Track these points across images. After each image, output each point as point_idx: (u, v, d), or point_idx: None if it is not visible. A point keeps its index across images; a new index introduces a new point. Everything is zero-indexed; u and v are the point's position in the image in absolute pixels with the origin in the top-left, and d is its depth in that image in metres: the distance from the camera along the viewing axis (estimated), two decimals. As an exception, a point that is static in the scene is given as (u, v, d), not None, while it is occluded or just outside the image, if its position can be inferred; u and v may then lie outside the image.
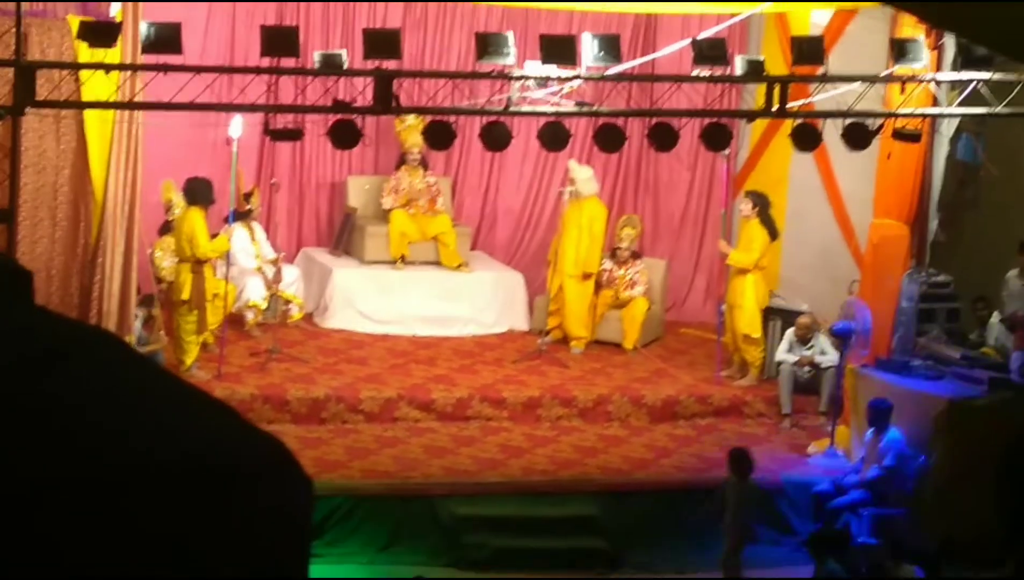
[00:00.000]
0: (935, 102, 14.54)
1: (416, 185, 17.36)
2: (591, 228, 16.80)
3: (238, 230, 15.76)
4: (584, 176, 16.88)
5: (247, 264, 16.19)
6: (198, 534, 2.47)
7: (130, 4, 13.35)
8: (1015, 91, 13.93)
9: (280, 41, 12.85)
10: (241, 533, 2.53)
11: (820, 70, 13.94)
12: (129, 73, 12.96)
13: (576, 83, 13.51)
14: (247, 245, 16.22)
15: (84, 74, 12.82)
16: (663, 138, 13.50)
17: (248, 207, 16.15)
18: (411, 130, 17.09)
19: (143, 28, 12.52)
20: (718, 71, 13.65)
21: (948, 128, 15.38)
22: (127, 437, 2.51)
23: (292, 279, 16.72)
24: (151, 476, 2.46)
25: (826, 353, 15.39)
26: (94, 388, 2.56)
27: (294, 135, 13.48)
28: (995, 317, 15.40)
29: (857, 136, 13.75)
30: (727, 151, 15.13)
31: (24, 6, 11.92)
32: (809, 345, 15.48)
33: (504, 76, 13.26)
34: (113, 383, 2.61)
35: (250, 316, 16.30)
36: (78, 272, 14.03)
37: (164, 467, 2.48)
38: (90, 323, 13.17)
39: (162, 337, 14.73)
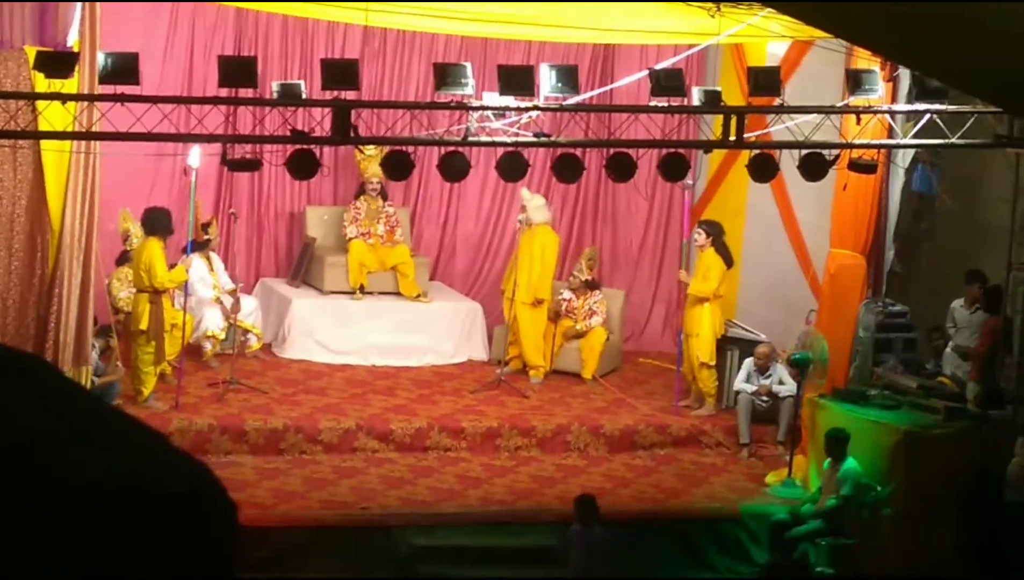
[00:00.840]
0: (891, 133, 14.63)
1: (374, 212, 17.36)
2: (543, 255, 16.84)
3: (196, 260, 15.71)
4: (536, 204, 16.92)
5: (205, 294, 16.15)
6: (117, 559, 2.46)
7: (87, 34, 13.32)
8: (969, 122, 14.03)
9: (238, 71, 12.84)
10: (161, 559, 2.52)
11: (777, 101, 14.01)
12: (86, 103, 12.93)
13: (534, 113, 13.55)
14: (205, 275, 16.18)
15: (41, 104, 12.79)
16: (621, 168, 13.53)
17: (206, 237, 16.12)
18: (371, 160, 17.10)
19: (100, 58, 12.49)
20: (676, 102, 13.70)
21: (904, 159, 15.47)
22: (50, 459, 2.50)
23: (250, 309, 16.69)
24: (71, 499, 2.46)
25: (784, 383, 15.43)
26: (18, 411, 2.56)
27: (252, 165, 13.45)
28: (950, 346, 15.49)
29: (814, 167, 13.82)
30: (686, 181, 15.18)
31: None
32: (767, 374, 15.53)
33: (462, 106, 13.27)
34: (39, 406, 2.60)
35: (208, 346, 16.26)
36: (35, 302, 13.96)
37: (85, 491, 2.48)
38: (32, 351, 13.13)
39: (119, 367, 14.66)
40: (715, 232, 16.13)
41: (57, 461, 2.50)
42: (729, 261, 16.14)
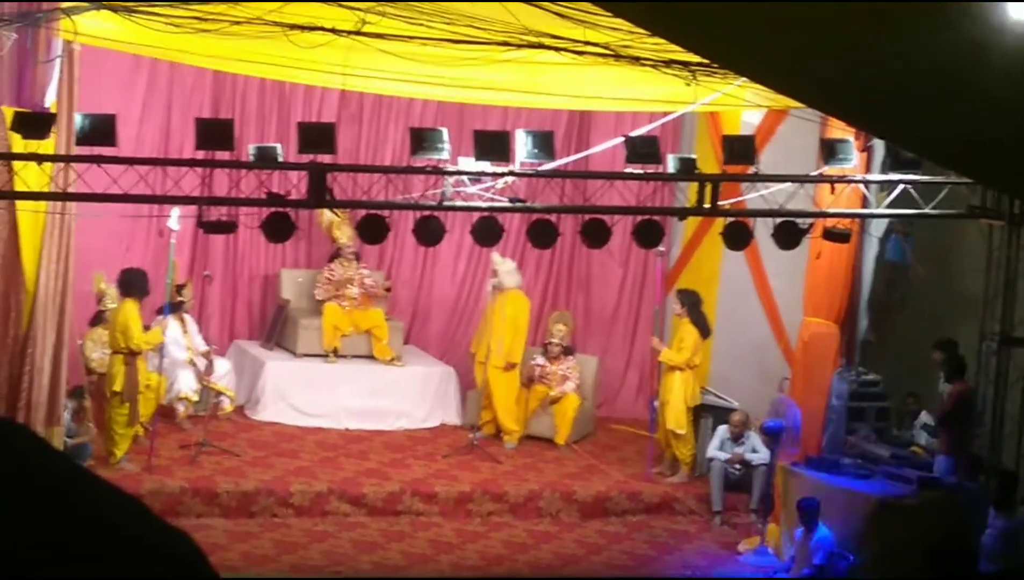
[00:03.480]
0: (864, 203, 14.72)
1: (349, 275, 17.39)
2: (515, 320, 16.86)
3: (171, 322, 15.69)
4: (507, 269, 16.96)
5: (179, 356, 16.11)
6: None
7: (65, 95, 13.35)
8: (943, 193, 14.11)
9: (215, 134, 12.87)
10: None
11: (751, 169, 14.08)
12: (63, 164, 12.93)
13: (510, 179, 13.59)
14: (179, 337, 16.14)
15: (18, 164, 12.77)
16: (596, 234, 13.56)
17: (180, 299, 16.09)
18: (338, 225, 17.16)
19: (78, 119, 12.50)
20: (651, 169, 13.76)
21: (877, 228, 15.55)
22: (38, 530, 2.50)
23: (224, 371, 16.65)
24: (61, 570, 2.45)
25: (757, 451, 15.44)
26: (10, 480, 2.56)
27: (228, 228, 13.46)
28: (923, 417, 15.52)
29: (788, 235, 13.88)
30: (660, 248, 15.22)
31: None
32: (741, 442, 15.53)
33: (438, 171, 13.31)
34: (26, 475, 2.60)
35: (181, 408, 16.21)
36: (8, 363, 13.90)
37: (72, 562, 2.47)
38: (11, 417, 13.07)
39: (91, 429, 14.61)
40: (692, 301, 16.17)
41: (48, 532, 2.49)
42: (705, 331, 16.17)
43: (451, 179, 13.28)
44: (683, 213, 15.28)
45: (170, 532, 2.66)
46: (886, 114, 6.82)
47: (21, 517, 2.49)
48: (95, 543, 2.52)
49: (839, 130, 14.53)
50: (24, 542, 2.46)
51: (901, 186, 14.16)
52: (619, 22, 12.08)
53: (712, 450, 15.60)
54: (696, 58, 13.19)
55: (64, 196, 13.09)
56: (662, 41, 12.49)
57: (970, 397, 14.48)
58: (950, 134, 7.12)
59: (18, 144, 12.75)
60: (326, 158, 12.90)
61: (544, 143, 13.40)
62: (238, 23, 12.59)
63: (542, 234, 13.63)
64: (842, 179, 14.23)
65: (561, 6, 11.94)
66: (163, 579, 2.56)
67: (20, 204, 13.56)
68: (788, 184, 14.16)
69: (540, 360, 17.16)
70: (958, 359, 14.72)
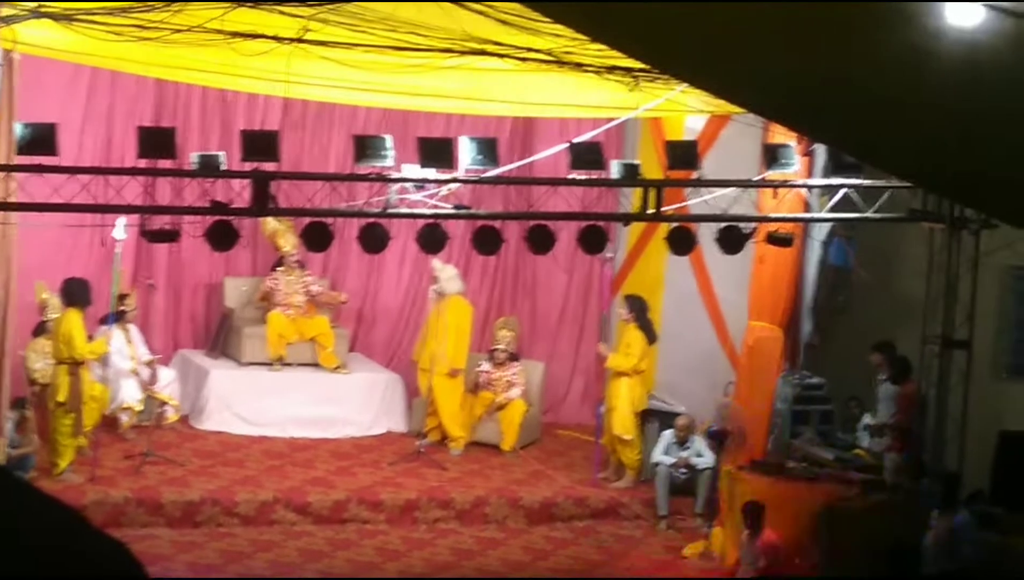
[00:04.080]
0: (807, 207, 14.80)
1: (295, 285, 17.36)
2: (457, 326, 16.87)
3: (114, 331, 15.60)
4: (447, 275, 16.97)
5: (122, 366, 16.02)
6: None
7: (5, 104, 13.26)
8: (884, 197, 14.21)
9: (157, 142, 12.82)
10: None
11: (695, 174, 14.14)
12: (3, 173, 12.85)
13: (454, 186, 13.60)
14: (122, 346, 16.05)
15: (-42, 174, 12.69)
16: (540, 240, 13.59)
17: (123, 308, 15.99)
18: (282, 233, 17.13)
19: (17, 129, 12.42)
20: (595, 174, 13.79)
21: (820, 232, 15.64)
22: None
23: (168, 381, 16.58)
24: None
25: (702, 455, 15.47)
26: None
27: (171, 236, 13.38)
28: (865, 418, 15.61)
29: (731, 240, 13.94)
30: (606, 254, 15.25)
31: None
32: (686, 446, 15.56)
33: (382, 178, 13.31)
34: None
35: (125, 418, 16.12)
36: (-51, 374, 13.81)
37: (8, 571, 2.46)
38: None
39: (35, 440, 14.50)
40: (638, 307, 16.20)
41: None
42: (652, 337, 16.20)
43: (395, 186, 13.28)
44: (627, 218, 15.33)
45: (107, 544, 2.64)
46: (827, 119, 6.87)
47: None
48: (29, 556, 2.50)
49: (781, 135, 14.61)
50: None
51: (843, 190, 14.26)
52: (562, 29, 12.11)
53: (658, 455, 15.63)
54: (639, 64, 13.25)
55: (5, 206, 13.00)
56: (605, 48, 12.54)
57: (918, 397, 14.60)
58: (891, 138, 7.17)
59: (-42, 154, 12.66)
60: (270, 166, 12.87)
61: (488, 149, 13.41)
62: (179, 31, 12.55)
63: (487, 240, 13.65)
64: (784, 184, 14.32)
65: (503, 13, 11.96)
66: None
67: (-39, 214, 13.46)
68: (731, 189, 14.23)
69: (486, 366, 17.17)
70: (903, 360, 14.82)
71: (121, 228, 14.39)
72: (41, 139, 12.23)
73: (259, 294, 17.42)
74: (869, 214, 14.25)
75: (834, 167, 14.46)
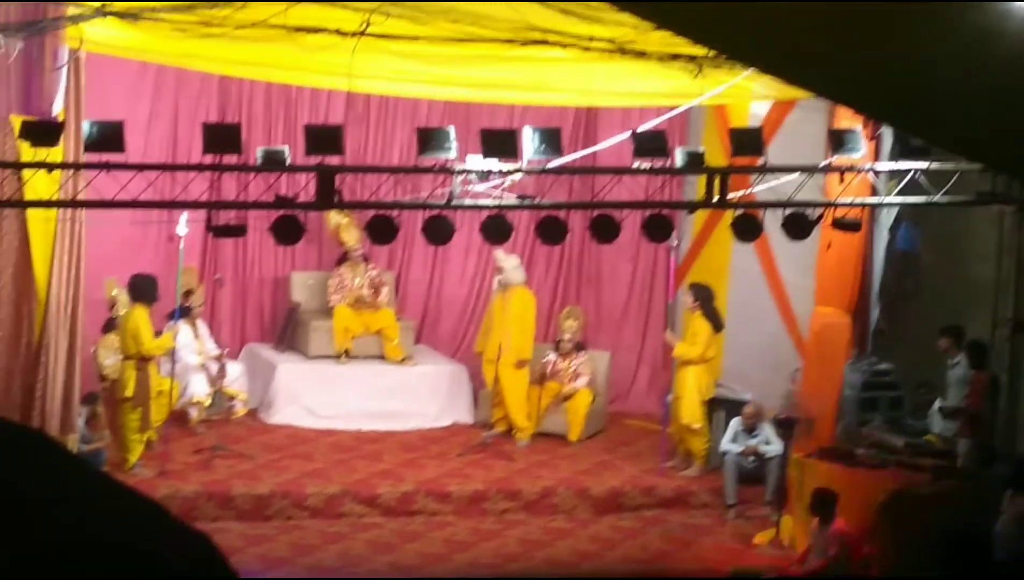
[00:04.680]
0: (874, 192, 14.70)
1: (359, 281, 17.42)
2: (522, 316, 16.86)
3: (182, 327, 15.70)
4: (512, 265, 16.96)
5: (191, 361, 16.13)
6: None
7: (72, 103, 13.37)
8: (952, 180, 14.09)
9: (222, 138, 12.86)
10: None
11: (760, 161, 14.06)
12: (72, 171, 12.95)
13: (517, 176, 13.59)
14: (191, 342, 16.16)
15: (27, 173, 12.79)
16: (605, 230, 13.55)
17: (187, 304, 16.08)
18: (345, 228, 17.19)
19: (85, 127, 12.50)
20: (659, 163, 13.74)
21: (887, 217, 15.54)
22: (58, 534, 2.50)
23: (236, 375, 16.67)
24: (82, 573, 2.46)
25: (771, 442, 15.41)
26: (31, 486, 2.56)
27: (237, 231, 13.46)
28: (937, 404, 15.49)
29: (797, 226, 13.86)
30: (671, 242, 15.21)
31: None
32: (754, 434, 15.50)
33: (446, 170, 13.31)
34: (49, 481, 2.61)
35: (194, 413, 16.22)
36: (21, 371, 13.92)
37: (95, 564, 2.48)
38: (28, 424, 13.06)
39: (105, 435, 14.62)
40: (704, 296, 16.14)
41: (63, 533, 2.50)
42: (718, 325, 16.14)
43: (459, 178, 13.28)
44: (692, 207, 15.29)
45: (188, 533, 2.67)
46: (895, 101, 6.81)
47: (41, 523, 2.50)
48: (115, 546, 2.53)
49: (847, 119, 14.53)
50: (44, 547, 2.47)
51: (910, 174, 14.14)
52: (625, 17, 12.08)
53: (725, 443, 15.58)
54: (702, 51, 13.21)
55: (73, 203, 13.11)
56: (668, 35, 12.50)
57: (993, 384, 14.48)
58: (959, 120, 7.11)
59: (27, 153, 12.76)
60: (334, 160, 12.90)
61: (551, 140, 13.39)
62: (243, 27, 12.61)
63: (551, 231, 13.62)
64: (851, 169, 14.21)
65: (565, 2, 11.95)
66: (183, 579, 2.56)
67: (30, 213, 13.59)
68: (797, 175, 14.15)
69: (551, 357, 17.16)
70: (979, 344, 14.68)
71: (183, 223, 14.49)
72: (108, 137, 12.30)
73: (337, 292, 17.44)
74: (937, 197, 14.12)
75: (901, 151, 14.36)
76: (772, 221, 13.91)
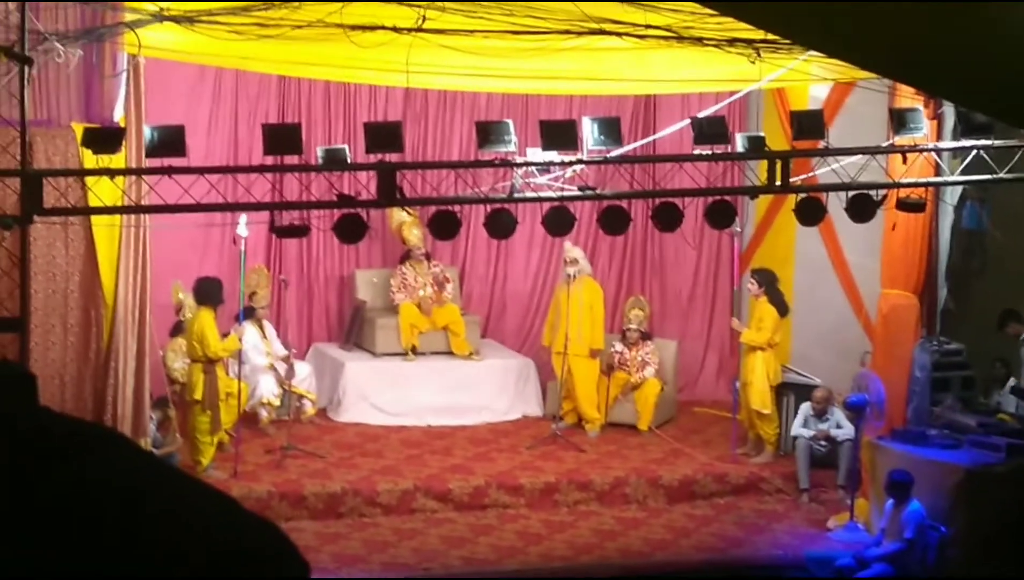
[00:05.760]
0: (937, 171, 14.58)
1: (421, 281, 17.45)
2: (592, 307, 16.84)
3: (248, 328, 15.78)
4: (578, 256, 16.95)
5: (259, 362, 16.20)
6: None
7: (132, 108, 13.46)
8: (1017, 157, 13.96)
9: (283, 139, 12.90)
10: None
11: (821, 144, 13.98)
12: (135, 177, 13.03)
13: (578, 167, 13.57)
14: (258, 343, 16.23)
15: (90, 180, 12.88)
16: (667, 218, 13.52)
17: (250, 305, 16.12)
18: (408, 226, 17.23)
19: (146, 132, 12.58)
20: (719, 149, 13.69)
21: (952, 196, 15.41)
22: (140, 528, 2.53)
23: (304, 375, 16.72)
24: (163, 566, 2.49)
25: (842, 426, 15.34)
26: (108, 482, 2.59)
27: (300, 231, 13.50)
28: (1011, 382, 15.37)
29: (861, 208, 13.77)
30: (734, 228, 15.16)
31: (28, 115, 11.97)
32: (825, 419, 15.44)
33: (506, 164, 13.32)
34: (125, 477, 2.63)
35: (264, 414, 16.30)
36: (91, 377, 14.04)
37: (174, 557, 2.51)
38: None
39: (177, 438, 14.72)
40: (768, 281, 16.08)
41: (148, 530, 2.53)
42: (783, 310, 16.07)
43: (520, 171, 13.28)
44: (755, 192, 15.21)
45: (264, 526, 2.69)
46: (956, 77, 6.74)
47: (124, 521, 2.52)
48: (194, 541, 2.55)
49: (908, 99, 14.41)
50: (126, 545, 2.49)
51: (974, 152, 14.02)
52: (680, 3, 12.04)
53: (796, 428, 15.53)
54: (760, 35, 13.13)
55: (137, 209, 13.20)
56: (725, 20, 12.44)
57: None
58: (1021, 93, 7.03)
59: (89, 160, 12.85)
60: (394, 157, 12.93)
61: (611, 129, 13.37)
62: (299, 27, 12.64)
63: (614, 220, 13.60)
64: (913, 148, 14.11)
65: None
66: (260, 575, 2.58)
67: (95, 219, 13.68)
68: (859, 156, 14.06)
69: (618, 347, 17.14)
70: None
71: (243, 225, 14.55)
72: (170, 141, 12.37)
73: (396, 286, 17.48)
74: (1002, 175, 13.99)
75: (964, 128, 14.23)
76: (836, 204, 13.83)
